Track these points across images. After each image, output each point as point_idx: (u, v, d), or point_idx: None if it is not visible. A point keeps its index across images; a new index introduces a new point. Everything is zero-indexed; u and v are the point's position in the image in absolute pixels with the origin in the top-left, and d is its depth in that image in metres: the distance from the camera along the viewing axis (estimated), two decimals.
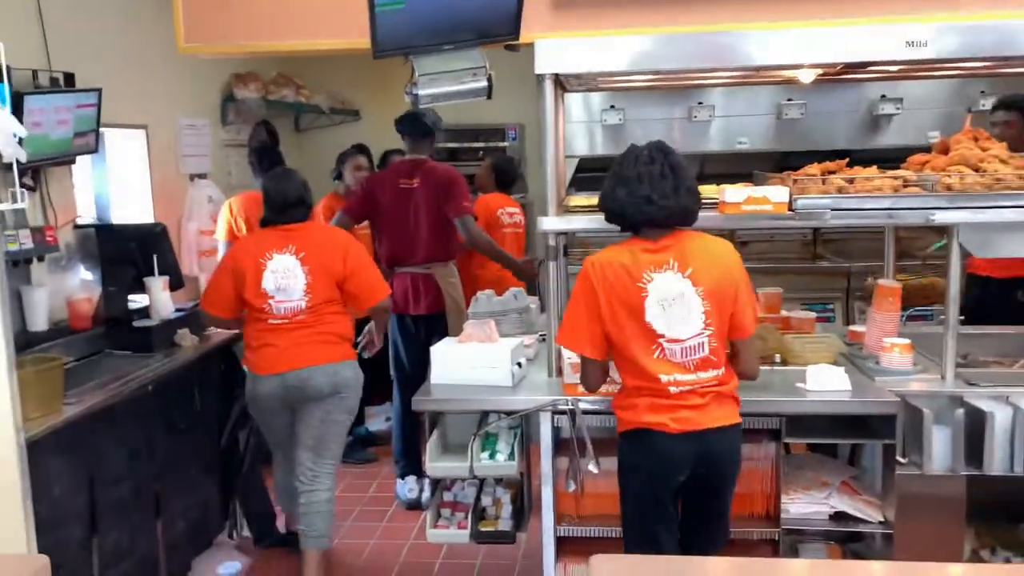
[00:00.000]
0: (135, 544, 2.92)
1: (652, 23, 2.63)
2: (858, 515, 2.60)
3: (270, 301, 3.06)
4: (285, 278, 3.05)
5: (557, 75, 2.68)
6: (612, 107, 5.23)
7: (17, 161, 3.21)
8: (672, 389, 2.25)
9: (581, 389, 2.56)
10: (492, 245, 4.20)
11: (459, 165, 5.73)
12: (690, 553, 2.34)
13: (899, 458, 2.57)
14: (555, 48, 2.59)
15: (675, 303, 2.24)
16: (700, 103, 5.16)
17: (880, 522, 2.63)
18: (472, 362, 2.71)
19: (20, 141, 2.16)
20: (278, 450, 3.38)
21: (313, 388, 3.09)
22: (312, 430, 3.15)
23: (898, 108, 4.95)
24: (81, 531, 2.65)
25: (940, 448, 2.53)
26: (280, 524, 3.80)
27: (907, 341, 2.76)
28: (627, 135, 5.28)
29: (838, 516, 2.62)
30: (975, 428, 2.51)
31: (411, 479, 4.13)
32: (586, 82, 3.17)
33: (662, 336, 2.24)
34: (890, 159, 3.00)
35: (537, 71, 2.60)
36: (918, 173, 2.69)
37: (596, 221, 2.87)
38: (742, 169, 3.92)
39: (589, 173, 5.49)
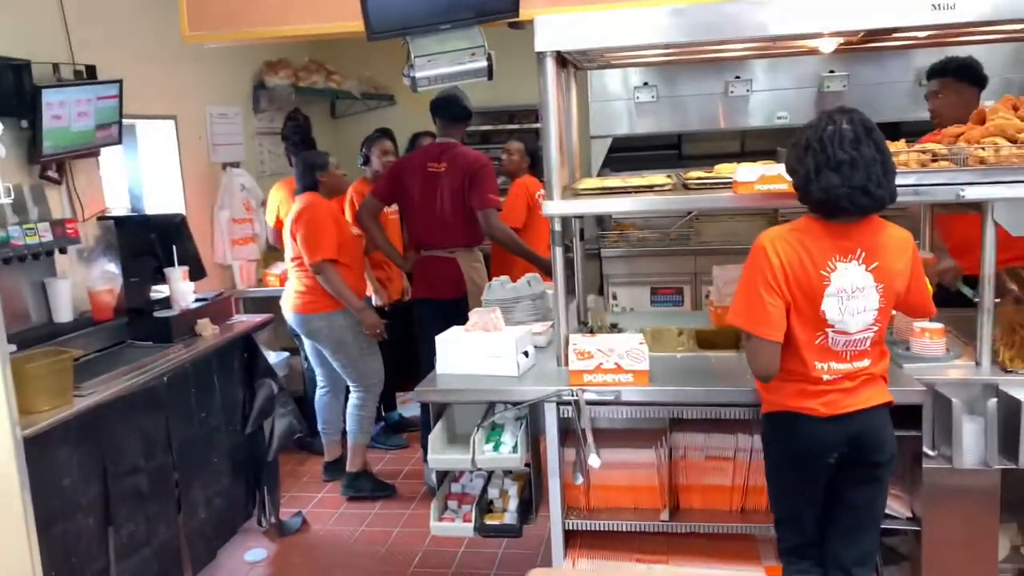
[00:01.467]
0: (153, 534, 2.95)
1: None
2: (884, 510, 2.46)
3: None
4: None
5: (559, 52, 2.56)
6: (645, 84, 5.07)
7: (44, 155, 3.32)
8: (825, 377, 2.15)
9: (587, 379, 2.48)
10: (515, 240, 4.11)
11: (491, 148, 5.68)
12: (833, 551, 2.26)
13: (927, 451, 2.42)
14: (555, 24, 2.48)
15: (854, 296, 2.10)
16: (737, 77, 4.97)
17: (908, 518, 2.49)
18: (477, 352, 2.64)
19: None
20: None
21: (298, 331, 4.16)
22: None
23: None
24: (95, 521, 2.69)
25: (971, 440, 2.37)
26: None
27: (939, 326, 2.59)
28: (661, 113, 5.13)
29: None
30: (1010, 419, 2.33)
31: None
32: (595, 59, 3.05)
33: (831, 326, 2.12)
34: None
35: (536, 48, 2.49)
36: (948, 146, 2.50)
37: (603, 205, 2.78)
38: (783, 145, 3.75)
39: (623, 153, 5.36)
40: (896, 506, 2.49)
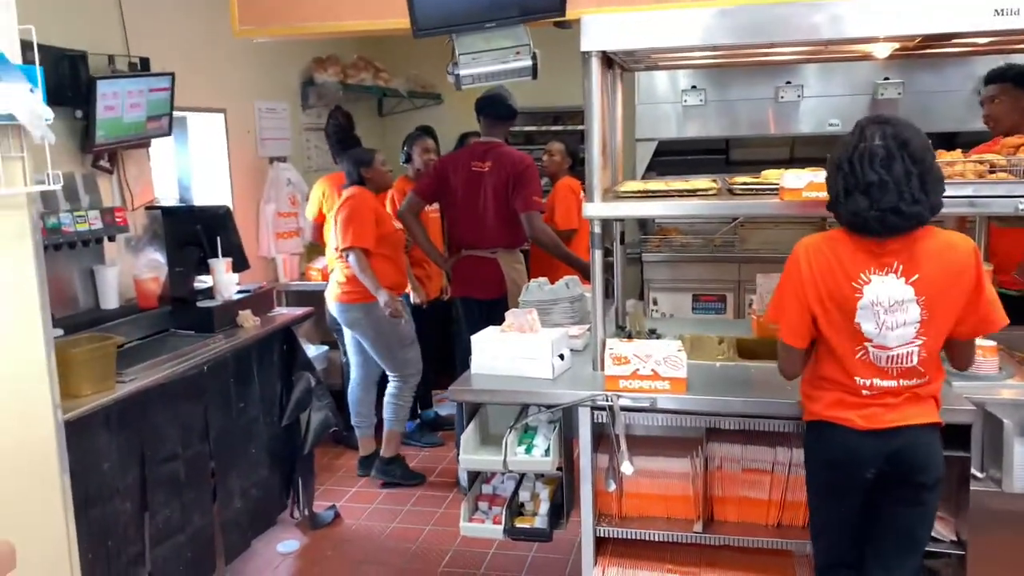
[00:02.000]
0: (188, 521, 2.99)
1: None
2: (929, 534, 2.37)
3: None
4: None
5: (605, 53, 2.53)
6: (693, 87, 5.00)
7: (96, 144, 3.39)
8: (865, 392, 2.10)
9: (623, 384, 2.45)
10: (558, 244, 4.08)
11: (534, 149, 5.65)
12: (874, 568, 2.20)
13: (975, 472, 2.33)
14: (601, 24, 2.45)
15: (892, 311, 2.03)
16: (788, 82, 4.86)
17: (952, 541, 2.40)
18: (512, 353, 2.62)
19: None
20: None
21: (339, 320, 4.20)
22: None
23: None
24: (132, 506, 2.74)
25: (1023, 464, 2.27)
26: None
27: (992, 343, 2.49)
28: (709, 117, 5.05)
29: None
30: None
31: None
32: (643, 60, 3.00)
33: (869, 340, 2.07)
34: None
35: (582, 48, 2.46)
36: (1008, 156, 2.40)
37: (644, 208, 2.74)
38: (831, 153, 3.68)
39: (668, 156, 5.29)
40: (940, 528, 2.40)
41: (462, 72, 2.53)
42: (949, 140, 4.26)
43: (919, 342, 2.05)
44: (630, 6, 2.51)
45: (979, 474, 2.33)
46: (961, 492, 2.37)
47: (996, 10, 2.21)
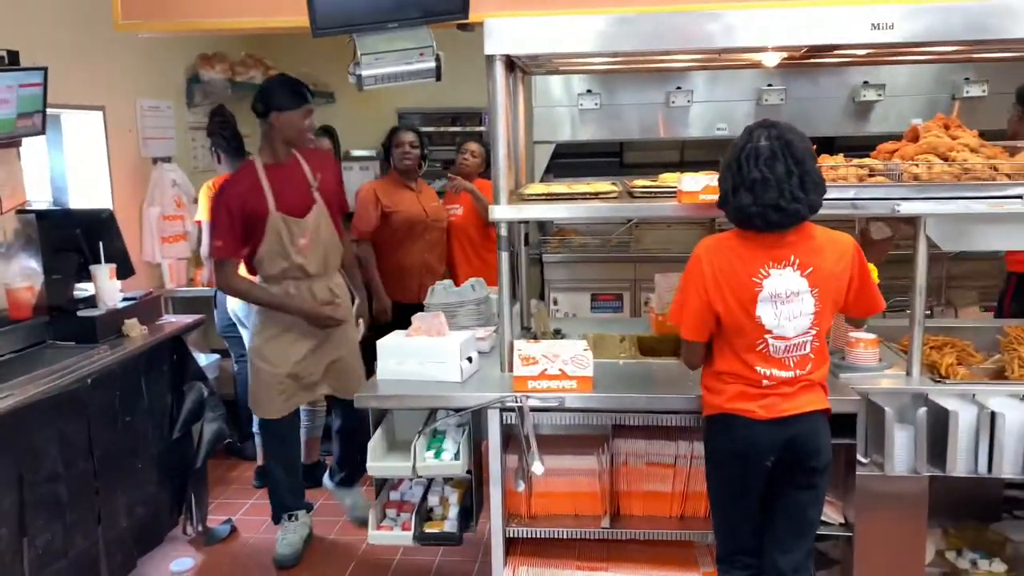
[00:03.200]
0: (71, 544, 2.80)
1: (609, 2, 2.50)
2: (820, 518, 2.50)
3: None
4: None
5: (509, 56, 2.54)
6: (589, 91, 5.09)
7: None
8: (765, 383, 2.19)
9: (531, 385, 2.46)
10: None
11: (434, 149, 5.62)
12: (771, 558, 2.28)
13: (860, 458, 2.48)
14: (505, 28, 2.46)
15: (789, 301, 2.15)
16: (679, 88, 5.03)
17: (840, 524, 2.54)
18: (420, 356, 2.60)
19: None
20: None
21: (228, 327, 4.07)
22: None
23: (880, 95, 4.84)
24: (8, 532, 2.54)
25: (902, 448, 2.44)
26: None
27: (873, 336, 2.66)
28: (603, 120, 5.16)
29: None
30: (939, 428, 2.41)
31: None
32: (545, 64, 3.04)
33: (769, 332, 2.16)
34: (874, 147, 2.88)
35: (487, 52, 2.47)
36: (885, 162, 2.57)
37: (551, 211, 2.78)
38: (723, 156, 3.82)
39: (565, 159, 5.38)
40: (830, 512, 2.54)
41: (364, 73, 2.48)
42: (828, 144, 4.52)
43: (813, 332, 2.18)
44: (531, 11, 2.53)
45: (864, 459, 2.48)
46: (848, 477, 2.52)
47: (873, 24, 2.36)
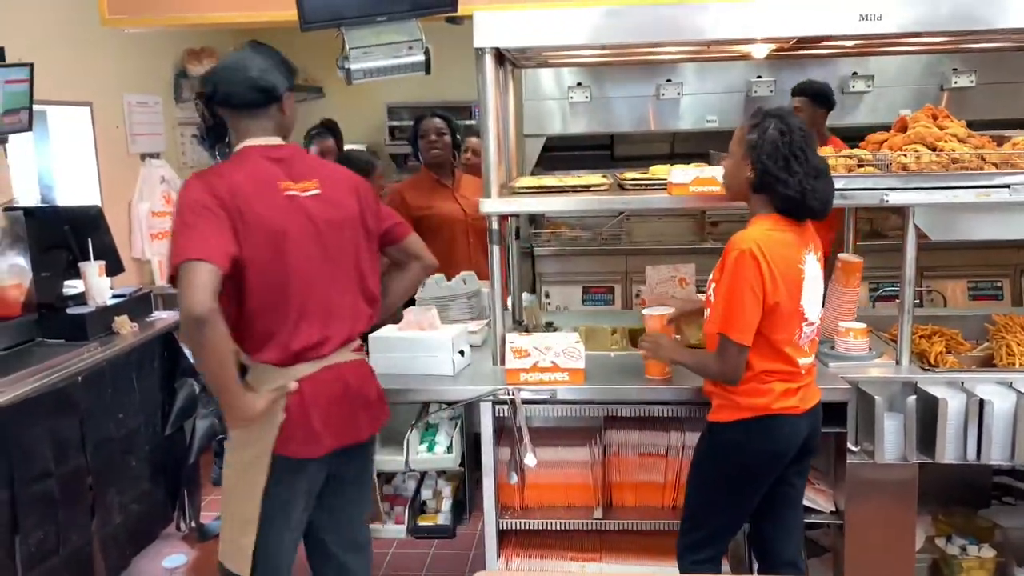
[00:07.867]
0: (64, 541, 2.79)
1: None
2: (809, 504, 2.52)
3: None
4: None
5: (498, 49, 2.54)
6: (579, 84, 5.09)
7: None
8: (803, 373, 2.20)
9: (523, 377, 2.47)
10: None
11: None
12: (776, 547, 2.30)
13: (850, 447, 2.50)
14: (494, 21, 2.46)
15: (816, 284, 2.20)
16: (668, 80, 5.04)
17: (831, 512, 2.56)
18: (412, 350, 2.60)
19: None
20: None
21: None
22: None
23: (869, 85, 4.86)
24: (1, 530, 2.53)
25: (891, 436, 2.46)
26: None
27: (862, 325, 2.68)
28: (594, 113, 5.16)
29: None
30: (928, 415, 2.43)
31: None
32: (534, 57, 3.04)
33: (805, 319, 2.17)
34: (862, 138, 2.90)
35: (476, 44, 2.47)
36: (873, 152, 2.58)
37: (542, 204, 2.78)
38: (713, 148, 3.83)
39: (556, 152, 5.38)
40: (821, 500, 2.57)
41: (353, 66, 2.47)
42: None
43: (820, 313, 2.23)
44: (520, 3, 2.53)
45: (854, 448, 2.50)
46: (839, 465, 2.54)
47: (861, 15, 2.37)
